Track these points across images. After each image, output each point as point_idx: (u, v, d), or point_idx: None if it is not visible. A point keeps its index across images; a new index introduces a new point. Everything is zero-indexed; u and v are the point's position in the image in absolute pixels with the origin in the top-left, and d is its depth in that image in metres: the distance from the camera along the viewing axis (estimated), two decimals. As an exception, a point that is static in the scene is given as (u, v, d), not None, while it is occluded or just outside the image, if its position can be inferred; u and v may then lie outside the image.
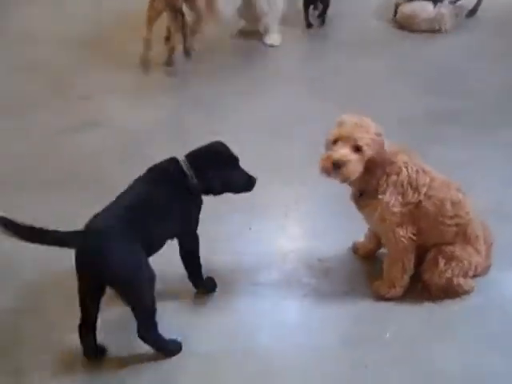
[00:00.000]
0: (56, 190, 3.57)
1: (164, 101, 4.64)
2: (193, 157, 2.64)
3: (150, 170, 2.62)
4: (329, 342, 2.65)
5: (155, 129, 4.26)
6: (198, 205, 2.68)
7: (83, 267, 2.33)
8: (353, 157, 2.58)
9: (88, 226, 2.38)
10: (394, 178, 2.71)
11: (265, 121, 4.32)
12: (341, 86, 4.78)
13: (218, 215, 3.21)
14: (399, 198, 2.71)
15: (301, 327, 2.76)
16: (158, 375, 2.49)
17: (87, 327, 2.47)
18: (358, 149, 2.58)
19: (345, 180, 2.65)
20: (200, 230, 2.71)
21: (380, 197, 2.70)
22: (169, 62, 4.93)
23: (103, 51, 5.22)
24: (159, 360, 2.53)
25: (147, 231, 2.44)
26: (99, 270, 2.31)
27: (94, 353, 2.52)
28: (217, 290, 2.87)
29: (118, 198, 2.51)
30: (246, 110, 4.47)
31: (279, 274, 3.03)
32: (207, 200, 2.69)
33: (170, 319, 2.67)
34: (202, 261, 2.78)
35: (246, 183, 2.72)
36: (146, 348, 2.50)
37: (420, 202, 2.70)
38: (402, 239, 2.73)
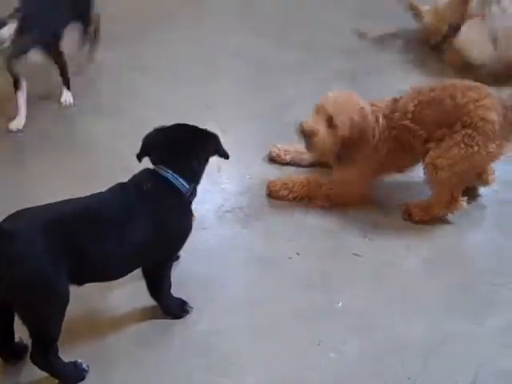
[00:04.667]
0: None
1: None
2: (167, 154, 2.20)
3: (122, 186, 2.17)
4: (277, 316, 2.40)
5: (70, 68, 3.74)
6: (188, 212, 2.27)
7: None
8: (323, 129, 2.65)
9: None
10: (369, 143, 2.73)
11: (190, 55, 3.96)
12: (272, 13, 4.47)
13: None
14: (374, 155, 2.75)
15: (245, 303, 2.46)
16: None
17: (1, 342, 2.12)
18: (332, 124, 2.63)
19: (313, 150, 2.77)
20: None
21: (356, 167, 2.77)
22: None
23: None
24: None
25: (91, 248, 1.98)
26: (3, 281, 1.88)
27: (12, 358, 2.17)
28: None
29: (71, 200, 2.09)
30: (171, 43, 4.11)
31: (215, 239, 2.72)
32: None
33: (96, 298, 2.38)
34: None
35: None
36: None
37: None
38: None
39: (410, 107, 2.68)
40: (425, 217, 2.80)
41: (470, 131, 2.61)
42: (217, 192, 2.96)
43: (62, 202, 2.07)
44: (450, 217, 2.82)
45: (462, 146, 2.62)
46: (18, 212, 1.98)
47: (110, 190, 2.15)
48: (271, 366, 2.22)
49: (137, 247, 2.08)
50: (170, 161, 2.18)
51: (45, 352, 2.01)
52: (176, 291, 2.38)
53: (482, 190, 2.98)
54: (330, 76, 3.73)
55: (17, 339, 2.16)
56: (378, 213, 2.86)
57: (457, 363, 2.23)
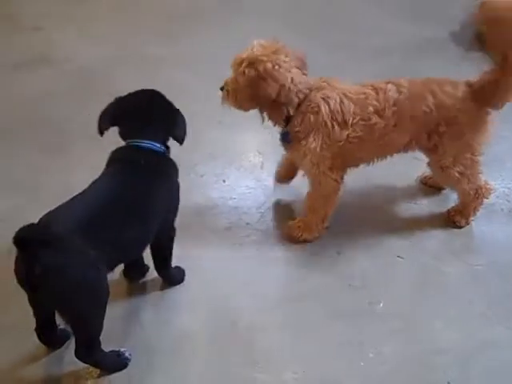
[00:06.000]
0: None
1: (120, 32, 4.15)
2: (146, 127, 2.19)
3: (116, 161, 2.18)
4: (317, 315, 2.40)
5: (113, 63, 3.82)
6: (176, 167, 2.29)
7: (26, 280, 1.85)
8: (233, 85, 2.45)
9: (39, 231, 1.82)
10: (311, 117, 2.42)
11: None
12: (311, 13, 4.37)
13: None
14: (326, 139, 2.44)
15: (285, 300, 2.48)
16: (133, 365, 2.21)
17: (43, 331, 2.16)
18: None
19: (230, 105, 2.51)
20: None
21: (303, 142, 2.45)
22: None
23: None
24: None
25: (120, 238, 2.00)
26: (47, 291, 1.86)
27: (54, 346, 2.22)
28: (193, 253, 2.58)
29: (84, 194, 2.05)
30: (212, 41, 4.10)
31: (257, 234, 2.73)
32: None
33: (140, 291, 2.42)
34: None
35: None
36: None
37: (348, 136, 2.44)
38: (334, 182, 2.54)
39: (393, 100, 2.44)
40: (468, 220, 2.76)
41: (455, 127, 2.48)
42: (259, 189, 2.97)
43: (81, 196, 2.04)
44: (491, 222, 2.79)
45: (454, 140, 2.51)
46: (45, 218, 1.91)
47: (115, 174, 2.15)
48: (311, 363, 2.22)
49: (157, 220, 2.15)
50: (145, 132, 2.20)
51: (90, 348, 2.05)
52: (217, 288, 2.44)
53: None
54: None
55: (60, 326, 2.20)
56: (423, 216, 2.84)
57: (498, 370, 2.20)
